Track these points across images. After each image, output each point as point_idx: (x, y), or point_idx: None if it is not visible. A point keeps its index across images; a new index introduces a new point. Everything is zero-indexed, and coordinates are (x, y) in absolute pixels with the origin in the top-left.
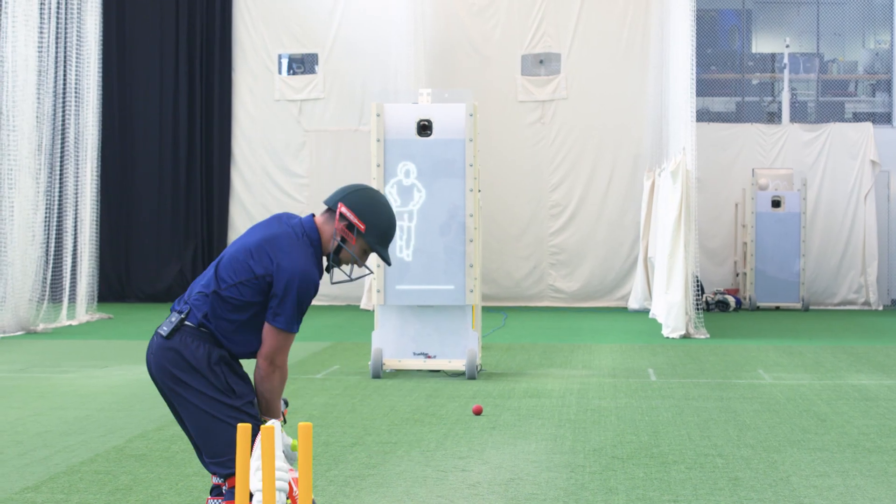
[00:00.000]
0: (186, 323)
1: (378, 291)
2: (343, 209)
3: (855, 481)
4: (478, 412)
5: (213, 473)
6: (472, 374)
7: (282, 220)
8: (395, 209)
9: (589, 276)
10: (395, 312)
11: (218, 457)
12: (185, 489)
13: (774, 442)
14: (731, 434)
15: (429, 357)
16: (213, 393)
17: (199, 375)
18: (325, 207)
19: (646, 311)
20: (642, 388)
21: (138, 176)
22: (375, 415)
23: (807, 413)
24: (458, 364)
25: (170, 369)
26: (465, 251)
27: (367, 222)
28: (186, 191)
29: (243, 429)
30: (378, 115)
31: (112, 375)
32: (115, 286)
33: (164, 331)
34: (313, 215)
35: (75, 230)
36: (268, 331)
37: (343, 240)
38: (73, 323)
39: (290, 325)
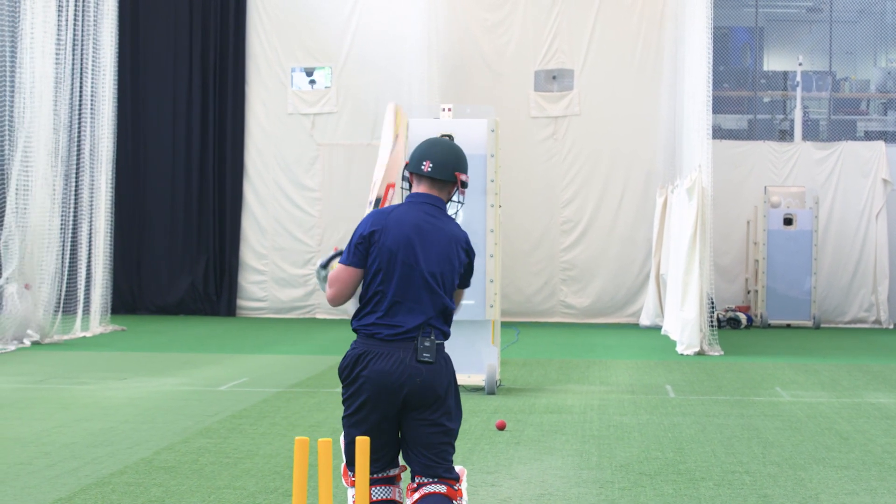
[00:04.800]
0: (437, 341)
1: None
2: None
3: (884, 499)
4: (501, 427)
5: (439, 477)
6: (491, 390)
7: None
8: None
9: (600, 292)
10: None
11: (448, 463)
12: (216, 501)
13: (800, 459)
14: (756, 451)
15: None
16: (459, 405)
17: (455, 386)
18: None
19: (657, 328)
20: (662, 404)
21: (151, 188)
22: None
23: (829, 431)
24: (478, 379)
25: (437, 390)
26: (485, 267)
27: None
28: (199, 203)
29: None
30: None
31: (132, 387)
32: (126, 298)
33: (428, 357)
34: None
35: (90, 241)
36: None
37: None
38: (87, 335)
39: None
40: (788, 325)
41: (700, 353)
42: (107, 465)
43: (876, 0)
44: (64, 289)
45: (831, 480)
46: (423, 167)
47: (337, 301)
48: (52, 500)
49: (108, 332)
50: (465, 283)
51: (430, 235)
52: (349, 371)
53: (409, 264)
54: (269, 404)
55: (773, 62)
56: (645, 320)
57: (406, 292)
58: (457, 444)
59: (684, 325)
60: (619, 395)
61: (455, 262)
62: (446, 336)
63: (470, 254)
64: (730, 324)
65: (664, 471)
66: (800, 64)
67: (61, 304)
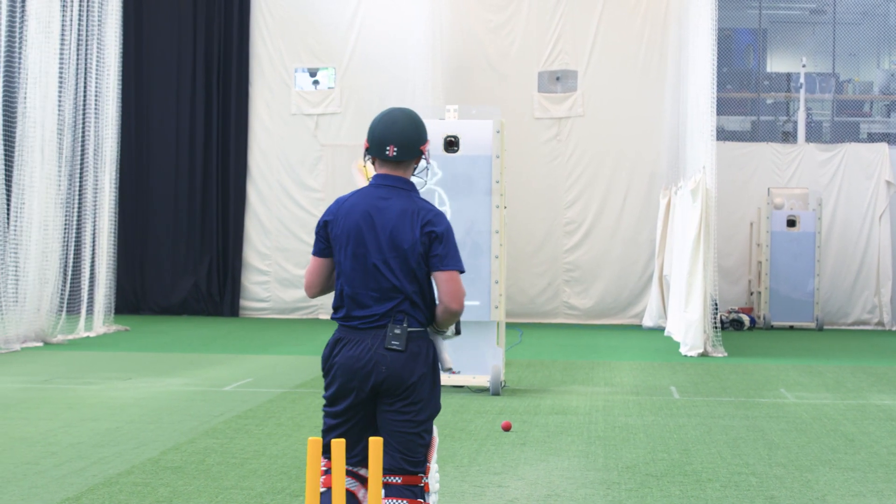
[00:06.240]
0: (411, 329)
1: None
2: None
3: (890, 501)
4: (507, 428)
5: (404, 473)
6: (496, 391)
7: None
8: None
9: (603, 293)
10: None
11: (417, 456)
12: (223, 502)
13: (806, 461)
14: (762, 453)
15: (453, 373)
16: (436, 398)
17: (432, 377)
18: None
19: (660, 329)
20: (666, 405)
21: (154, 188)
22: None
23: (834, 433)
24: (483, 380)
25: (405, 379)
26: (490, 268)
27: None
28: (202, 204)
29: (313, 443)
30: None
31: (137, 387)
32: (130, 298)
33: (396, 345)
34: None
35: (93, 241)
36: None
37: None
38: (91, 335)
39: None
40: (791, 327)
41: (704, 355)
42: (113, 464)
43: (879, 2)
44: (68, 289)
45: (837, 482)
46: (387, 153)
47: (309, 290)
48: (60, 500)
49: (111, 333)
50: (442, 262)
51: (379, 221)
52: (325, 359)
53: (360, 254)
54: (274, 405)
55: (777, 64)
56: (648, 321)
57: (363, 282)
58: (462, 445)
59: (688, 327)
60: (623, 397)
61: (406, 239)
62: (423, 324)
63: (432, 225)
64: (733, 325)
65: (670, 472)
66: (803, 66)
67: (65, 304)
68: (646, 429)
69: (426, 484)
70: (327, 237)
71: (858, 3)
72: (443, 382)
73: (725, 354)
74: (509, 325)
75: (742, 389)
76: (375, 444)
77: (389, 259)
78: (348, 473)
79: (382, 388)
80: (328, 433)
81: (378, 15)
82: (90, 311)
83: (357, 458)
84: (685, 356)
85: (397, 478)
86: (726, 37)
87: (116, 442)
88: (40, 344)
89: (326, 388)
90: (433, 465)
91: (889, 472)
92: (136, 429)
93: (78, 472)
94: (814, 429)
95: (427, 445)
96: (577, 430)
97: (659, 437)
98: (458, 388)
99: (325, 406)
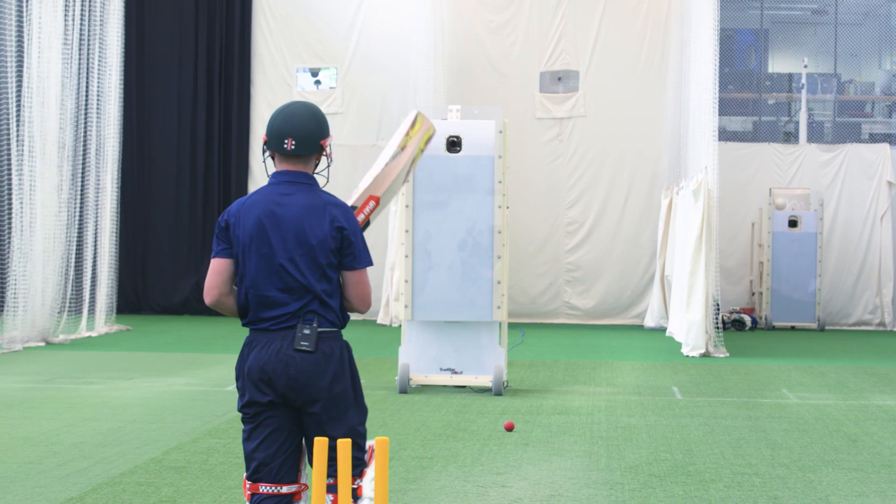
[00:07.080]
0: (321, 329)
1: (406, 307)
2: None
3: (893, 502)
4: (509, 428)
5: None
6: (498, 391)
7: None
8: (423, 224)
9: (605, 293)
10: (421, 328)
11: (358, 460)
12: (227, 501)
13: (809, 461)
14: (765, 453)
15: (455, 373)
16: (359, 399)
17: (351, 378)
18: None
19: (662, 329)
20: (669, 406)
21: (156, 188)
22: (407, 430)
23: (837, 433)
24: (485, 380)
25: (316, 381)
26: (492, 267)
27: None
28: (204, 203)
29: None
30: None
31: (139, 387)
32: (131, 298)
33: (306, 345)
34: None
35: (95, 241)
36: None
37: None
38: (93, 334)
39: None
40: (793, 328)
41: (705, 355)
42: (117, 464)
43: (881, 2)
44: (70, 288)
45: (840, 482)
46: (285, 146)
47: (210, 293)
48: (64, 500)
49: (113, 332)
50: (355, 261)
51: (283, 217)
52: (237, 364)
53: (265, 253)
54: None
55: (778, 64)
56: (650, 322)
57: (269, 282)
58: (465, 445)
59: (689, 327)
60: (626, 397)
61: (314, 234)
62: (335, 324)
63: (340, 220)
64: (734, 325)
65: (673, 472)
66: (805, 66)
67: (67, 304)
68: (648, 429)
69: (359, 487)
70: (229, 239)
71: (860, 3)
72: (445, 383)
73: (727, 355)
74: (511, 326)
75: (744, 390)
76: (381, 445)
77: (296, 257)
78: (268, 499)
79: (294, 391)
80: (247, 444)
81: (379, 15)
82: (92, 310)
83: (277, 473)
84: (687, 356)
85: (331, 479)
86: (728, 37)
87: (119, 441)
88: (42, 344)
89: (240, 395)
90: (370, 471)
91: (892, 472)
92: (139, 428)
93: (81, 472)
94: (816, 429)
95: (361, 449)
96: (580, 431)
97: (661, 438)
98: (461, 388)
99: (242, 416)
